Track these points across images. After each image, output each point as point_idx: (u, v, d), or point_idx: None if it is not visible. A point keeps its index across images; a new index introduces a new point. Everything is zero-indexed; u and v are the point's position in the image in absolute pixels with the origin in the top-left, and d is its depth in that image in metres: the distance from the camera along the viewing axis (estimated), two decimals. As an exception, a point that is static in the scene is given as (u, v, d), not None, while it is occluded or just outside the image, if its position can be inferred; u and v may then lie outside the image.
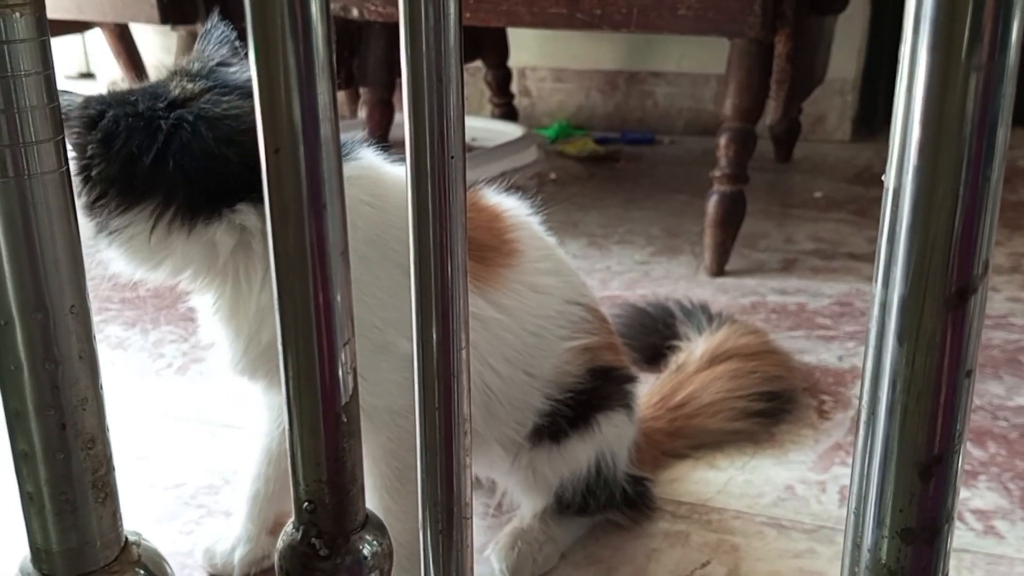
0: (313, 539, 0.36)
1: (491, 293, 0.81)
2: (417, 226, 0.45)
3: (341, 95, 2.56)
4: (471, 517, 0.51)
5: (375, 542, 0.37)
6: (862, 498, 0.31)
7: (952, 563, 0.37)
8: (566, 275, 0.90)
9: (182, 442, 1.14)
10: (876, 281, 0.40)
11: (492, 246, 0.84)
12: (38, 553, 0.54)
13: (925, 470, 0.29)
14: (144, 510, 1.00)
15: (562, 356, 0.87)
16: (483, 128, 2.37)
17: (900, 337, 0.29)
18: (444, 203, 0.45)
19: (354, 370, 0.35)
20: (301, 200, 0.33)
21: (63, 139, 0.48)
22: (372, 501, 0.80)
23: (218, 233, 0.71)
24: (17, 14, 0.45)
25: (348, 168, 0.75)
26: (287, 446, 0.36)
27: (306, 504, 0.36)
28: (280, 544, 0.38)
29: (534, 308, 0.85)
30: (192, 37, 1.87)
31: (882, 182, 0.41)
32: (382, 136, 1.91)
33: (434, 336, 0.47)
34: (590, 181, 2.21)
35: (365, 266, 0.73)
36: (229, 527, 0.92)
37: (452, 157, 0.44)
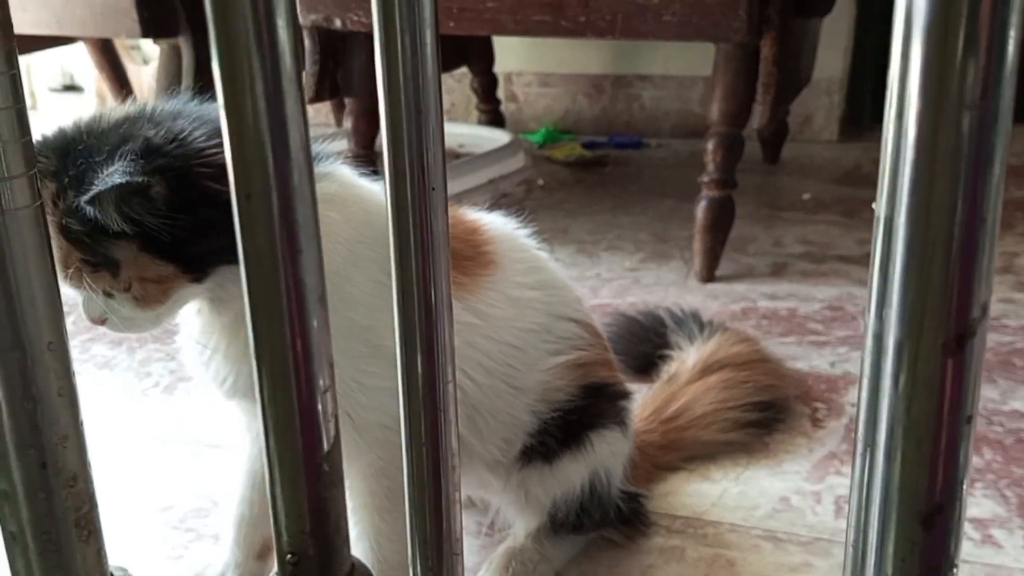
0: (297, 593, 0.35)
1: (465, 297, 0.80)
2: (399, 259, 0.44)
3: (325, 106, 2.54)
4: (461, 553, 0.50)
5: (361, 592, 0.36)
6: (860, 545, 0.30)
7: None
8: (555, 289, 0.89)
9: (169, 464, 1.13)
10: (869, 312, 0.39)
11: (467, 256, 0.83)
12: (22, 594, 0.52)
13: (927, 519, 0.28)
14: (132, 534, 0.99)
15: (550, 371, 0.86)
16: (470, 135, 2.36)
17: (896, 381, 0.28)
18: (426, 235, 0.44)
19: (335, 417, 0.34)
20: (275, 246, 0.31)
21: (36, 173, 0.47)
22: (361, 521, 0.79)
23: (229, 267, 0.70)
24: (-14, 50, 0.44)
25: (322, 187, 0.74)
26: (267, 496, 0.35)
27: (289, 556, 0.35)
28: (262, 597, 0.36)
29: (513, 319, 0.84)
30: (175, 51, 1.85)
31: (872, 205, 0.40)
32: (368, 145, 1.90)
33: (419, 370, 0.46)
34: (578, 187, 2.20)
35: (348, 271, 0.72)
36: (218, 553, 0.91)
37: (433, 188, 0.43)
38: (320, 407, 0.34)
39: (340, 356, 0.73)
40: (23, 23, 1.86)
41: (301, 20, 1.68)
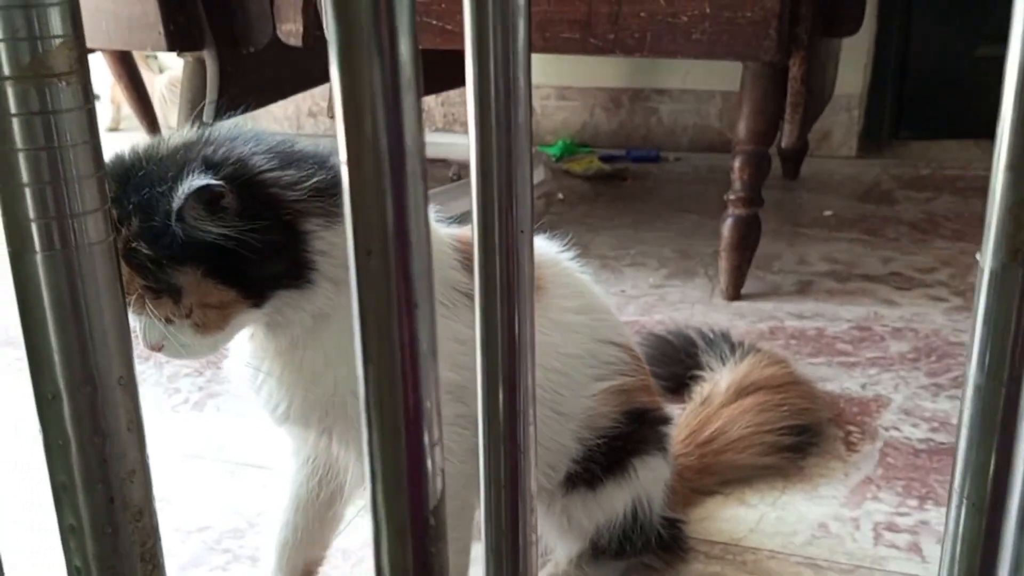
0: (400, 648, 0.35)
1: None
2: (484, 302, 0.44)
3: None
4: (535, 595, 0.50)
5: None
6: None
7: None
8: (599, 314, 0.88)
9: (203, 482, 1.12)
10: (971, 363, 0.38)
11: None
12: (83, 629, 0.52)
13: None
14: (169, 556, 0.98)
15: (595, 397, 0.86)
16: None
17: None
18: (512, 278, 0.43)
19: (442, 472, 0.34)
20: (391, 301, 0.31)
21: (110, 208, 0.47)
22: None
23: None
24: (63, 83, 0.44)
25: None
26: (372, 551, 0.34)
27: (392, 611, 0.34)
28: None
29: (559, 345, 0.84)
30: (199, 64, 1.85)
31: (976, 256, 0.40)
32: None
33: (501, 411, 0.45)
34: (598, 201, 2.20)
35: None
36: (258, 575, 0.91)
37: (522, 231, 0.43)
38: (429, 461, 0.33)
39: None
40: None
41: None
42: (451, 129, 2.80)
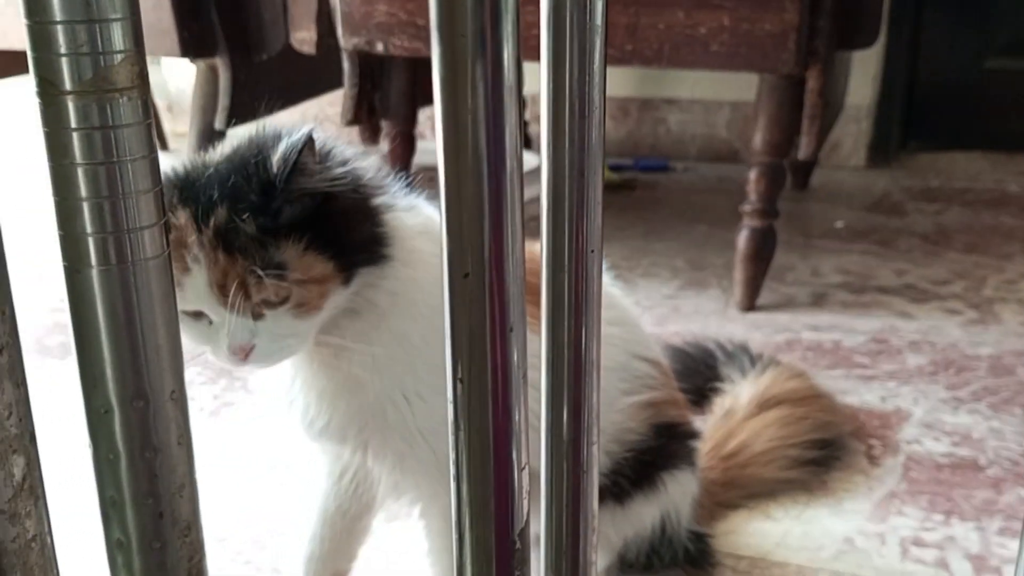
0: (483, 673, 0.34)
1: None
2: (551, 317, 0.43)
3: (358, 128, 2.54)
4: (594, 617, 0.49)
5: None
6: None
7: None
8: (631, 327, 0.88)
9: (220, 492, 1.12)
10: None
11: None
12: (127, 646, 0.52)
13: None
14: (190, 568, 0.98)
15: (625, 411, 0.86)
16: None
17: None
18: (580, 297, 0.43)
19: (528, 495, 0.33)
20: (485, 324, 0.31)
21: (166, 222, 0.46)
22: (440, 562, 0.79)
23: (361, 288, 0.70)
24: (124, 98, 0.43)
25: (410, 216, 0.74)
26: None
27: (475, 636, 0.34)
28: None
29: None
30: (212, 71, 1.85)
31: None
32: (404, 167, 1.90)
33: (564, 431, 0.45)
34: (607, 210, 2.17)
35: (439, 306, 0.73)
36: (283, 589, 0.90)
37: (592, 251, 0.42)
38: (516, 484, 0.33)
39: (429, 392, 0.72)
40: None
41: (343, 44, 1.68)
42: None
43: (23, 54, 0.43)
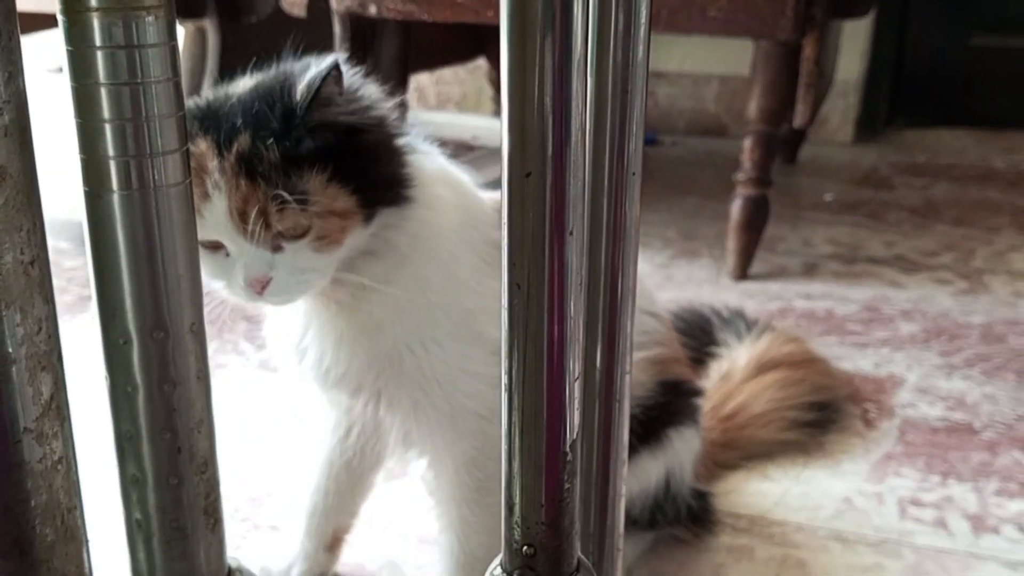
0: (531, 586, 0.34)
1: None
2: (591, 245, 0.42)
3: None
4: (622, 549, 0.49)
5: (589, 589, 0.35)
6: None
7: None
8: (639, 281, 0.88)
9: (217, 452, 1.10)
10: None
11: None
12: (141, 583, 0.51)
13: None
14: (188, 525, 0.97)
15: (633, 366, 0.85)
16: (485, 127, 2.33)
17: None
18: (620, 221, 0.42)
19: (581, 407, 0.33)
20: (545, 227, 0.30)
21: (188, 149, 0.45)
22: (449, 513, 0.78)
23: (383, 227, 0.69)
24: (151, 17, 0.42)
25: (428, 161, 0.73)
26: (503, 486, 0.33)
27: (525, 548, 0.33)
28: (489, 591, 0.35)
29: None
30: (200, 32, 1.82)
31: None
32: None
33: (598, 359, 0.44)
34: (597, 182, 2.19)
35: (458, 252, 0.72)
36: (284, 543, 0.89)
37: (633, 174, 0.42)
38: (569, 394, 0.32)
39: (447, 339, 0.72)
40: (42, 0, 1.82)
41: (335, 6, 1.66)
42: (444, 108, 2.78)
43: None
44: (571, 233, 0.30)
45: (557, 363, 0.32)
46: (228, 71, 1.90)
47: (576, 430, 0.33)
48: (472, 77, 2.68)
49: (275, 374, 1.25)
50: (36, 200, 0.40)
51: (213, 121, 0.64)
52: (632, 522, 0.89)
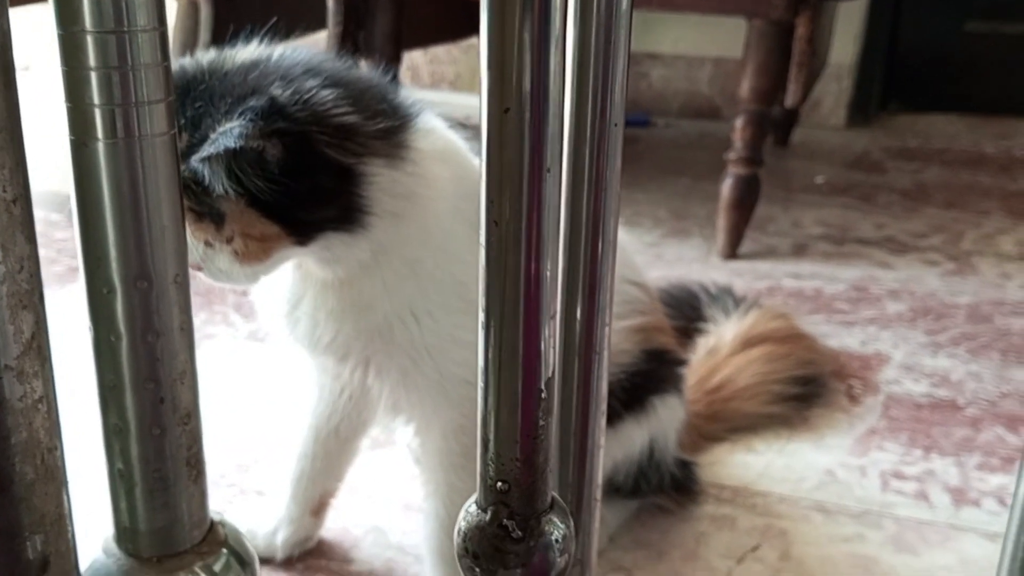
0: (505, 520, 0.34)
1: None
2: (571, 194, 0.43)
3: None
4: (600, 499, 0.49)
5: (563, 525, 0.36)
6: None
7: None
8: (622, 251, 0.88)
9: (204, 420, 1.11)
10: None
11: None
12: (124, 532, 0.51)
13: None
14: (175, 489, 0.97)
15: (617, 334, 0.86)
16: (478, 107, 2.33)
17: None
18: (601, 172, 0.43)
19: (557, 345, 0.33)
20: (523, 163, 0.30)
21: (173, 100, 0.45)
22: (435, 479, 0.78)
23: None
24: (138, -36, 0.42)
25: (430, 142, 0.73)
26: (479, 422, 0.34)
27: (499, 484, 0.34)
28: (463, 525, 0.36)
29: None
30: (193, 6, 1.82)
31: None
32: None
33: (579, 310, 0.45)
34: (589, 162, 2.19)
35: (452, 226, 0.71)
36: (269, 508, 0.90)
37: (615, 125, 0.42)
38: (546, 333, 0.33)
39: (438, 310, 0.72)
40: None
41: (328, -21, 1.66)
42: (438, 87, 2.77)
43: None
44: (548, 171, 0.31)
45: (534, 300, 0.32)
46: (221, 45, 1.89)
47: (552, 368, 0.34)
48: (466, 57, 2.67)
49: (263, 344, 1.26)
50: (18, 138, 0.40)
51: (182, 100, 0.64)
52: (616, 489, 0.90)
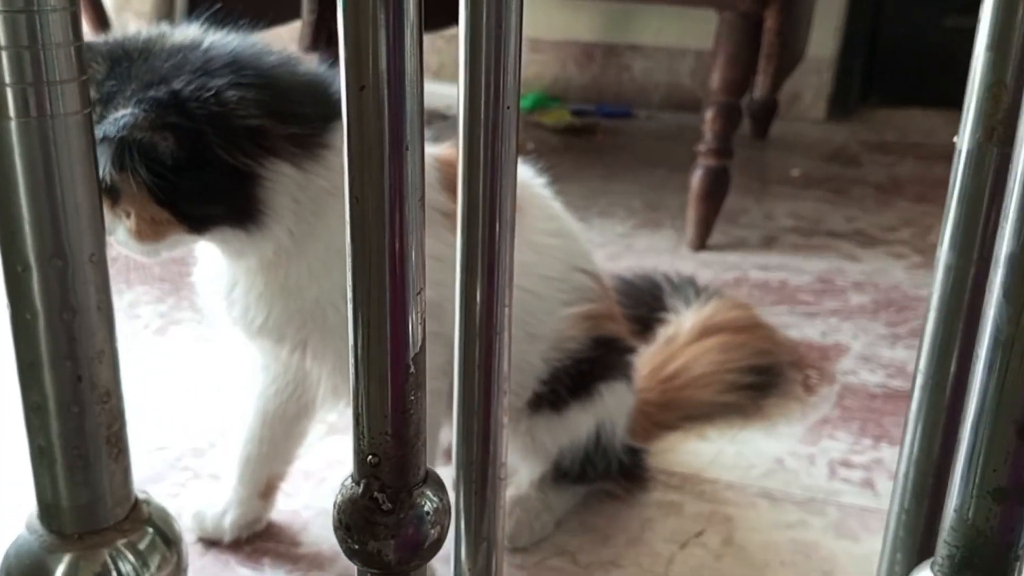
0: (376, 493, 0.35)
1: None
2: (467, 177, 0.44)
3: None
4: (505, 478, 0.50)
5: (436, 498, 0.36)
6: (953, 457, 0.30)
7: None
8: (572, 240, 0.89)
9: (163, 405, 1.12)
10: (942, 244, 0.39)
11: None
12: (47, 509, 0.52)
13: (1023, 429, 0.28)
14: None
15: (564, 321, 0.87)
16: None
17: (1007, 294, 0.29)
18: (496, 155, 0.43)
19: (423, 320, 0.34)
20: (383, 140, 0.31)
21: (87, 80, 0.46)
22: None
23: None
24: (46, -57, 0.43)
25: None
26: (351, 397, 0.35)
27: (370, 457, 0.35)
28: (339, 499, 0.36)
29: (534, 266, 0.84)
30: (168, -8, 1.82)
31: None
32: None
33: (478, 292, 0.46)
34: (568, 153, 2.20)
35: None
36: (219, 490, 0.90)
37: (508, 107, 0.43)
38: (412, 308, 0.33)
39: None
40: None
41: (302, -33, 1.66)
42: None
43: None
44: (408, 148, 0.32)
45: (399, 277, 0.33)
46: (196, 14, 1.87)
47: (420, 343, 0.34)
48: (449, 47, 2.68)
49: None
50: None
51: (108, 72, 0.65)
52: (563, 475, 0.91)
